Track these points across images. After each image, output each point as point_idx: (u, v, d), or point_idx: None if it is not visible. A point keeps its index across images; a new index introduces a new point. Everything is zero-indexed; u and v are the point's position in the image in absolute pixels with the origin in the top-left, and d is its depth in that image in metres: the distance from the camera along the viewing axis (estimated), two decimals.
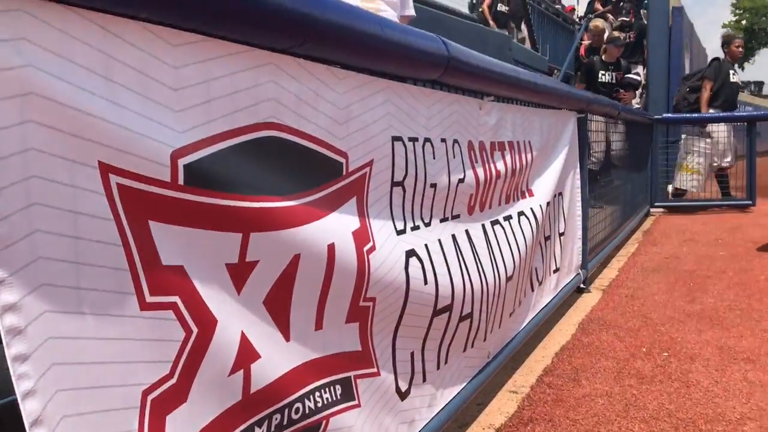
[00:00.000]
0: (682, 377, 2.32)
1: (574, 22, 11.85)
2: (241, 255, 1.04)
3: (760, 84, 73.17)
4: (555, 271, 3.05)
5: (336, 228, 1.26)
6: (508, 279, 2.23)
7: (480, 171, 2.05)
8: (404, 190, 1.58)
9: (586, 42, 9.09)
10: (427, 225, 1.72)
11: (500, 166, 2.23)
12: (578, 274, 3.55)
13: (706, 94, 7.31)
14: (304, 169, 1.20)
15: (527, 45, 9.00)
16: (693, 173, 7.46)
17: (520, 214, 2.47)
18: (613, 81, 7.51)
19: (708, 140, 7.34)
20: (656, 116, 7.18)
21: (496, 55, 7.58)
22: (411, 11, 3.43)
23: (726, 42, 7.42)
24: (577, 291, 3.57)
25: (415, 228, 1.64)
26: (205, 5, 0.93)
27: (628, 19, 8.79)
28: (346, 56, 1.30)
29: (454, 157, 1.86)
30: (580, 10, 12.58)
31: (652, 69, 8.00)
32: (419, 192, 1.65)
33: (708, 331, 2.83)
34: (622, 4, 9.34)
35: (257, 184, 1.07)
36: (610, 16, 9.60)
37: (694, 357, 2.52)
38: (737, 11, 73.67)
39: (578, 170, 3.49)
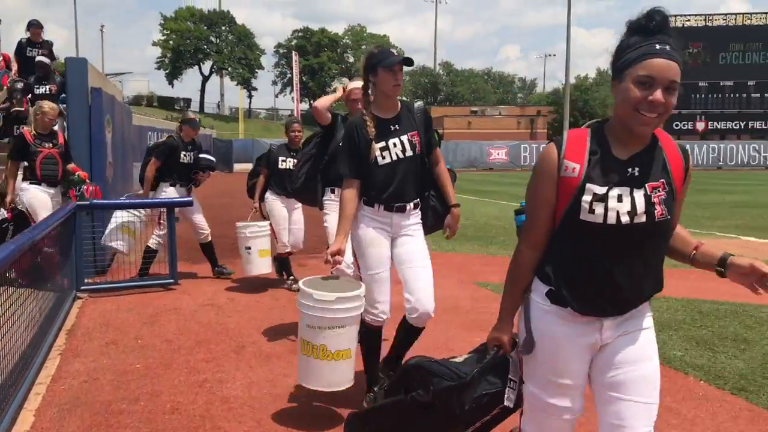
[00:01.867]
0: None
1: None
2: None
3: (188, 101, 78.75)
4: None
5: None
6: None
7: None
8: None
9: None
10: None
11: None
12: None
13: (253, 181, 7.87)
14: None
15: None
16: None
17: None
18: (191, 161, 7.97)
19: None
20: (80, 202, 7.19)
21: None
22: None
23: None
24: None
25: None
26: None
27: (22, 109, 8.51)
28: None
29: None
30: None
31: (76, 148, 7.97)
32: None
33: None
34: (15, 93, 8.91)
35: None
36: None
37: None
38: (165, 31, 77.50)
39: None
